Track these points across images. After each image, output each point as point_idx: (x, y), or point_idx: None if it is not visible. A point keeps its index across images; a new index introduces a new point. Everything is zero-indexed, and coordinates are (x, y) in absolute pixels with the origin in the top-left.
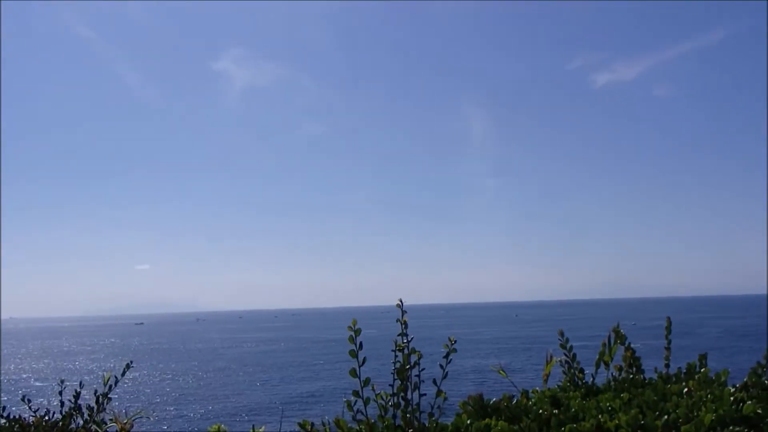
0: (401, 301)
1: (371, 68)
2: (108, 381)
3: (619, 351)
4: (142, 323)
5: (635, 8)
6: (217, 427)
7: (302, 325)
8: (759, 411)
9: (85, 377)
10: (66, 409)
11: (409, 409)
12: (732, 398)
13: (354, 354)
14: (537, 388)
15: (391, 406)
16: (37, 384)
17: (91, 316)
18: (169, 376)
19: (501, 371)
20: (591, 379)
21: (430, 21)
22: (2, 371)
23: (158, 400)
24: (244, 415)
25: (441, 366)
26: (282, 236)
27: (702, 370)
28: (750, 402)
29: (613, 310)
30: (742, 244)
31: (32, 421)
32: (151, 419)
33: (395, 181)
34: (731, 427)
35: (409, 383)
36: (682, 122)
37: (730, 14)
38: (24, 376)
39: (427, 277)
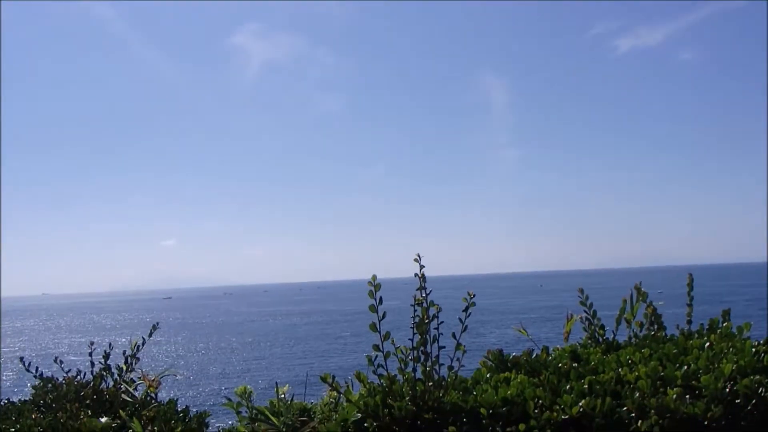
0: (419, 256)
1: (389, 40)
2: (135, 346)
3: (642, 310)
4: (169, 298)
5: None
6: (243, 388)
7: (328, 298)
8: None
9: (116, 350)
10: (96, 369)
11: (429, 362)
12: (754, 350)
13: (374, 309)
14: (558, 346)
15: (411, 360)
16: (72, 358)
17: (120, 292)
18: (198, 349)
19: (522, 330)
20: (612, 336)
21: None
22: (38, 345)
23: (183, 371)
24: (268, 386)
25: (460, 320)
26: (304, 210)
27: (724, 324)
28: None
29: (640, 279)
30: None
31: (64, 381)
32: (178, 377)
33: (415, 153)
34: (752, 377)
35: (428, 337)
36: (707, 86)
37: None
38: (58, 350)
39: (450, 248)
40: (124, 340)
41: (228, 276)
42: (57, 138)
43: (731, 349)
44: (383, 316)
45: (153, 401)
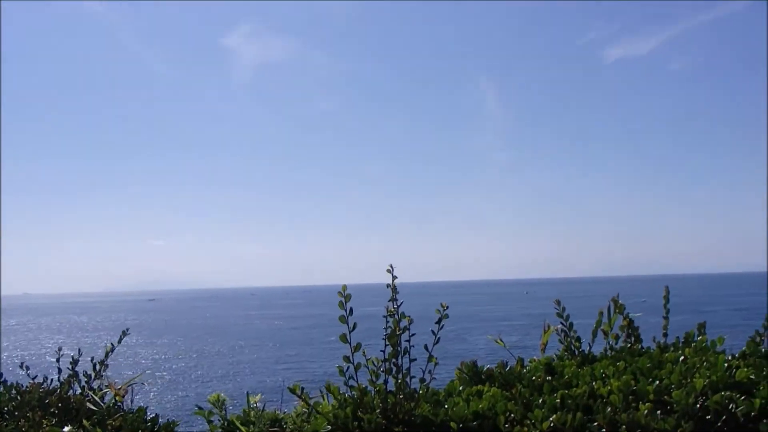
0: (391, 267)
1: (383, 42)
2: (108, 352)
3: (620, 322)
4: (154, 299)
5: None
6: (216, 395)
7: (314, 302)
8: (752, 377)
9: (99, 351)
10: (64, 376)
11: (399, 374)
12: (726, 365)
13: (344, 320)
14: (535, 358)
15: (382, 371)
16: (50, 359)
17: (104, 292)
18: (182, 352)
19: (499, 341)
20: (588, 348)
21: None
22: (16, 346)
23: (165, 375)
24: (251, 392)
25: (432, 332)
26: (293, 213)
27: (699, 337)
28: (742, 369)
29: (626, 288)
30: (755, 220)
31: (28, 387)
32: (146, 385)
33: (407, 157)
34: (723, 392)
35: (399, 348)
36: (697, 96)
37: None
38: (38, 351)
39: (439, 254)
40: (103, 342)
41: (215, 278)
42: (45, 136)
43: (705, 364)
44: (354, 327)
45: (120, 410)
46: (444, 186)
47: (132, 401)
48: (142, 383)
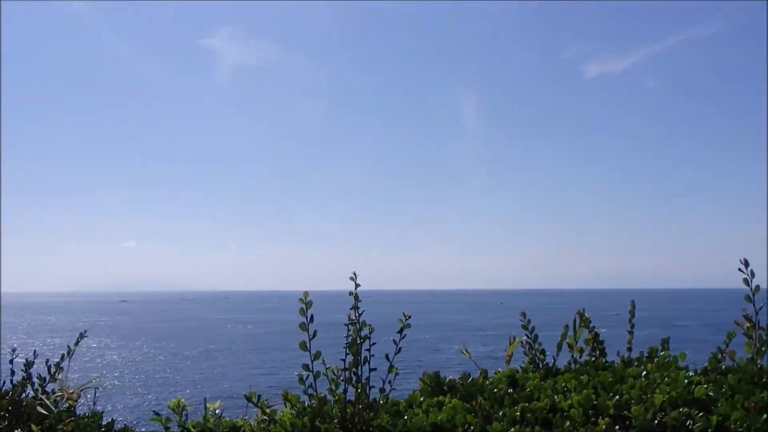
0: (355, 275)
1: (366, 48)
2: (71, 353)
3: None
4: (125, 301)
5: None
6: (177, 401)
7: (289, 307)
8: (710, 394)
9: (62, 352)
10: (17, 378)
11: (359, 384)
12: (687, 381)
13: (304, 327)
14: (500, 369)
15: (342, 380)
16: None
17: (75, 292)
18: (150, 355)
19: (464, 351)
20: (552, 361)
21: (425, 5)
22: None
23: (134, 379)
24: (216, 397)
25: (394, 341)
26: (270, 218)
27: (662, 353)
28: (702, 385)
29: (602, 301)
30: (735, 236)
31: None
32: (100, 389)
33: (385, 165)
34: (681, 409)
35: (360, 358)
36: (673, 114)
37: (723, 8)
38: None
39: (415, 263)
40: (69, 344)
41: (188, 281)
42: (20, 136)
43: (666, 379)
44: (314, 335)
45: (73, 414)
46: (421, 195)
47: (93, 405)
48: (99, 387)
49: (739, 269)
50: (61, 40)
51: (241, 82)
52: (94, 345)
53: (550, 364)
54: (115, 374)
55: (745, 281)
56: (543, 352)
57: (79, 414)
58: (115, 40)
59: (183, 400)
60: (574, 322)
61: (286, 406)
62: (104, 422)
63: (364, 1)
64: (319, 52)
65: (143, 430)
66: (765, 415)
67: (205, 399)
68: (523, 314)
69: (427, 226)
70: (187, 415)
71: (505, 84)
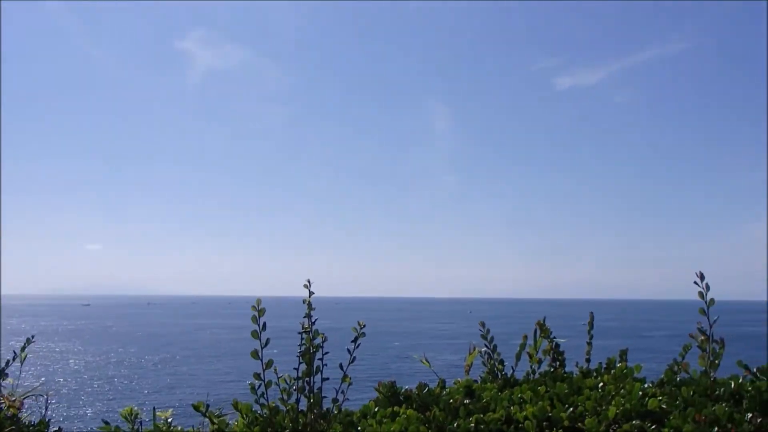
0: (309, 282)
1: (337, 57)
2: (24, 358)
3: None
4: (88, 304)
5: (600, 14)
6: (129, 409)
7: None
8: (663, 406)
9: (8, 358)
10: None
11: (312, 393)
12: (641, 393)
13: (256, 335)
14: (459, 379)
15: (294, 390)
16: None
17: (36, 295)
18: (110, 361)
19: (425, 361)
20: (511, 372)
21: (398, 14)
22: None
23: (94, 385)
24: (176, 405)
25: (348, 350)
26: (238, 223)
27: (619, 364)
28: (655, 397)
29: (569, 310)
30: (705, 249)
31: None
32: (44, 397)
33: (357, 172)
34: (633, 422)
35: (313, 367)
36: (641, 129)
37: (690, 27)
38: None
39: (384, 270)
40: (30, 348)
41: (154, 285)
42: None
43: (621, 391)
44: (267, 343)
45: (15, 423)
46: (391, 204)
47: (45, 411)
48: (44, 395)
49: (695, 282)
50: (31, 39)
51: (212, 86)
52: (57, 349)
53: (509, 375)
54: (75, 380)
55: (700, 294)
56: (502, 362)
57: (25, 422)
58: (86, 39)
59: (135, 408)
60: (535, 332)
61: (241, 417)
62: (51, 430)
63: (336, 9)
64: (289, 59)
65: None
66: (716, 428)
67: (154, 408)
68: (482, 324)
69: (397, 235)
70: (141, 424)
71: (476, 93)
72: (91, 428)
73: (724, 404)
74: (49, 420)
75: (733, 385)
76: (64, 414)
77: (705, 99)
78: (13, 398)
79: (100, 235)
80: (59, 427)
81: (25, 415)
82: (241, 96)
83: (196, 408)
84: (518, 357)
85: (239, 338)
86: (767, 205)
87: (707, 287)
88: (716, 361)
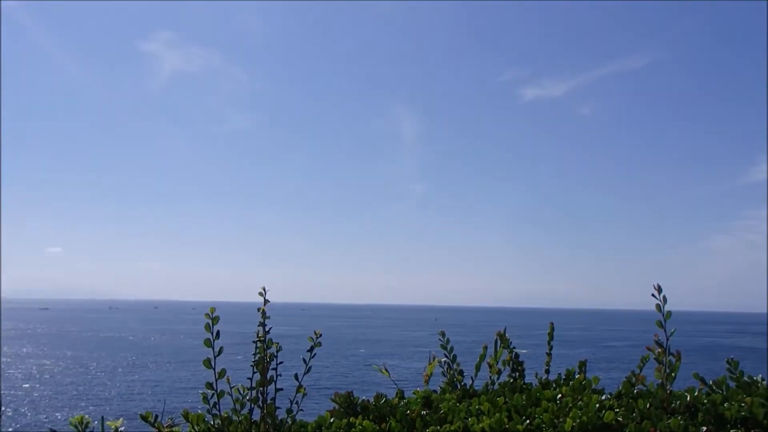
0: (264, 290)
1: (304, 62)
2: None
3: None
4: (47, 308)
5: (564, 27)
6: (79, 417)
7: (222, 319)
8: (620, 419)
9: None
10: None
11: (265, 404)
12: (598, 405)
13: (209, 343)
14: (419, 389)
15: (248, 400)
16: None
17: None
18: (67, 367)
19: (384, 371)
20: (470, 382)
21: (366, 22)
22: None
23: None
24: (131, 412)
25: (304, 360)
26: (202, 228)
27: (578, 376)
28: (611, 410)
29: (531, 319)
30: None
31: None
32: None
33: (323, 178)
34: None
35: (266, 377)
36: (605, 141)
37: (651, 43)
38: None
39: (351, 277)
40: None
41: (117, 289)
42: None
43: (579, 403)
44: (220, 351)
45: None
46: (355, 213)
47: None
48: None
49: (653, 295)
50: None
51: (177, 89)
52: (10, 354)
53: (468, 386)
54: (29, 386)
55: (657, 307)
56: (461, 372)
57: None
58: (46, 39)
59: (87, 416)
60: (495, 342)
61: (190, 427)
62: None
63: (303, 13)
64: (256, 63)
65: None
66: None
67: (102, 417)
68: (443, 333)
69: (365, 242)
70: None
71: (443, 102)
72: None
73: (679, 417)
74: None
75: (689, 398)
76: (17, 421)
77: (665, 112)
78: None
79: (61, 239)
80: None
81: None
82: (206, 99)
83: (144, 418)
84: (478, 367)
85: (202, 345)
86: (767, 209)
87: (664, 299)
88: (672, 374)
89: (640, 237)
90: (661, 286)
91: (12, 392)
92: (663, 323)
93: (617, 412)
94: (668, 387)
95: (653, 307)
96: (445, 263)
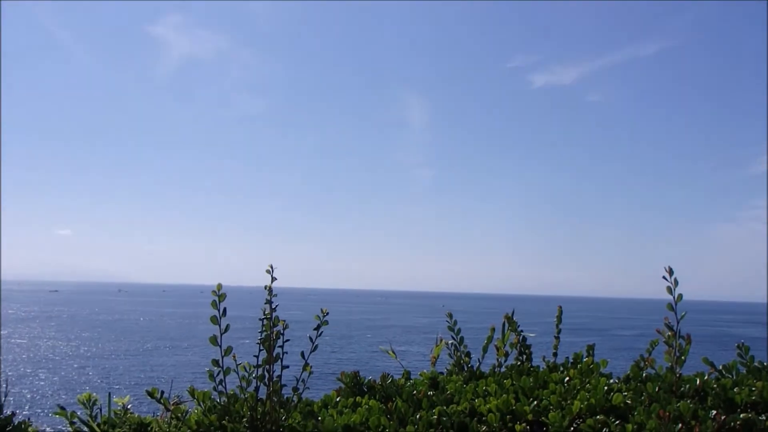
0: (271, 267)
1: (314, 46)
2: None
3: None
4: (56, 291)
5: (575, 13)
6: (87, 395)
7: (230, 303)
8: (628, 402)
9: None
10: None
11: (271, 381)
12: (607, 388)
13: (215, 320)
14: (426, 371)
15: (254, 378)
16: None
17: (2, 281)
18: (76, 348)
19: (391, 353)
20: (477, 364)
21: (376, 8)
22: None
23: (61, 373)
24: (138, 390)
25: (310, 338)
26: (211, 211)
27: (585, 359)
28: (620, 393)
29: (538, 306)
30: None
31: None
32: (5, 385)
33: (331, 164)
34: (597, 416)
35: (273, 354)
36: (615, 128)
37: (662, 30)
38: None
39: (358, 262)
40: None
41: (126, 273)
42: None
43: (587, 386)
44: (226, 329)
45: None
46: (363, 198)
47: (4, 398)
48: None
49: (663, 277)
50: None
51: (187, 72)
52: (22, 336)
53: (475, 367)
54: (40, 367)
55: (669, 290)
56: (468, 354)
57: None
58: (53, 21)
59: (94, 394)
60: (503, 325)
61: (196, 403)
62: (3, 416)
63: (313, 1)
64: (265, 47)
65: (60, 428)
66: (679, 425)
67: (109, 393)
68: (450, 315)
69: (372, 227)
70: (100, 410)
71: (453, 90)
72: (48, 414)
73: (688, 401)
74: (2, 405)
75: (698, 382)
76: (25, 399)
77: (675, 100)
78: None
79: (70, 221)
80: (12, 411)
81: None
82: (216, 83)
83: (150, 394)
84: (485, 349)
85: (211, 327)
86: (767, 204)
87: (676, 282)
88: (682, 357)
89: (647, 225)
90: (672, 269)
91: (19, 373)
92: (674, 306)
93: (625, 395)
94: (678, 371)
95: (659, 297)
96: (453, 250)
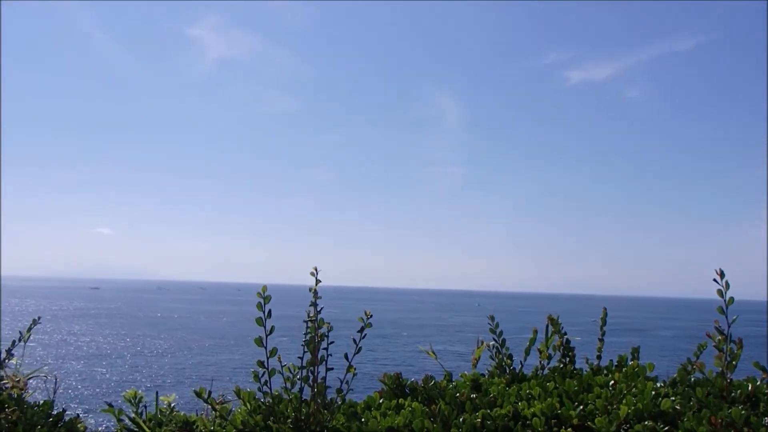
0: (316, 270)
1: (347, 46)
2: (28, 338)
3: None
4: (97, 288)
5: (610, 9)
6: (133, 392)
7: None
8: (677, 407)
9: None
10: None
11: (315, 383)
12: (654, 393)
13: (261, 322)
14: (467, 372)
15: (298, 379)
16: None
17: (43, 277)
18: (121, 345)
19: (431, 353)
20: (519, 367)
21: (409, 6)
22: None
23: (93, 368)
24: (182, 389)
25: (354, 340)
26: (247, 208)
27: (631, 362)
28: (668, 398)
29: (576, 306)
30: (715, 247)
31: None
32: (49, 378)
33: (363, 161)
34: (646, 422)
35: (317, 356)
36: (653, 124)
37: (699, 24)
38: None
39: (387, 261)
40: (43, 330)
41: (164, 270)
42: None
43: (633, 390)
44: (271, 331)
45: (20, 403)
46: (397, 193)
47: (54, 394)
48: (45, 376)
49: (714, 280)
50: (38, 26)
51: (223, 72)
52: (65, 332)
53: (517, 370)
54: (83, 363)
55: (720, 292)
56: (510, 356)
57: (30, 403)
58: (92, 23)
59: (140, 392)
60: (546, 327)
61: (244, 405)
62: (55, 412)
63: (347, 1)
64: (299, 47)
65: (107, 424)
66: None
67: (157, 392)
68: (492, 317)
69: (404, 225)
70: (145, 407)
71: (486, 87)
72: (96, 411)
73: (740, 407)
74: (54, 401)
75: (750, 387)
76: (71, 395)
77: (715, 94)
78: (17, 379)
79: (110, 219)
80: (63, 408)
81: (30, 393)
82: (251, 83)
83: (197, 394)
84: (527, 352)
85: (250, 326)
86: (767, 205)
87: (727, 285)
88: (733, 362)
89: (685, 222)
90: (724, 271)
91: (64, 369)
92: (724, 309)
93: (674, 400)
94: (728, 376)
95: (697, 296)
96: (484, 247)
